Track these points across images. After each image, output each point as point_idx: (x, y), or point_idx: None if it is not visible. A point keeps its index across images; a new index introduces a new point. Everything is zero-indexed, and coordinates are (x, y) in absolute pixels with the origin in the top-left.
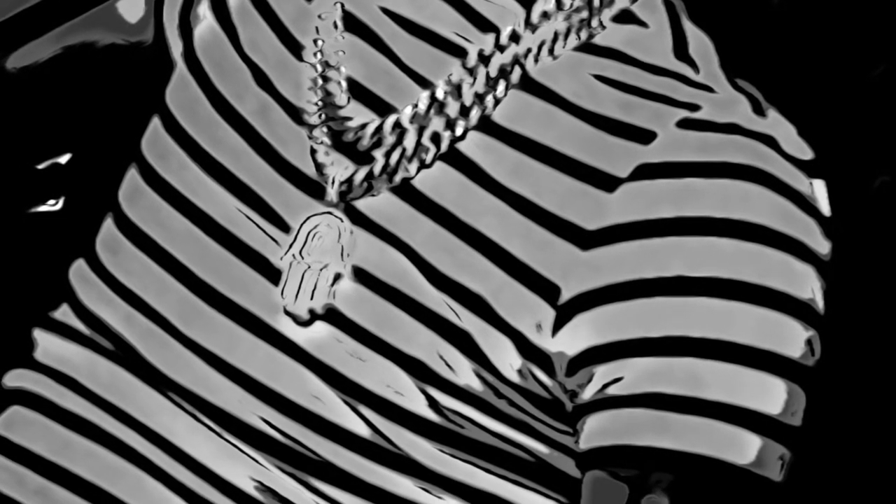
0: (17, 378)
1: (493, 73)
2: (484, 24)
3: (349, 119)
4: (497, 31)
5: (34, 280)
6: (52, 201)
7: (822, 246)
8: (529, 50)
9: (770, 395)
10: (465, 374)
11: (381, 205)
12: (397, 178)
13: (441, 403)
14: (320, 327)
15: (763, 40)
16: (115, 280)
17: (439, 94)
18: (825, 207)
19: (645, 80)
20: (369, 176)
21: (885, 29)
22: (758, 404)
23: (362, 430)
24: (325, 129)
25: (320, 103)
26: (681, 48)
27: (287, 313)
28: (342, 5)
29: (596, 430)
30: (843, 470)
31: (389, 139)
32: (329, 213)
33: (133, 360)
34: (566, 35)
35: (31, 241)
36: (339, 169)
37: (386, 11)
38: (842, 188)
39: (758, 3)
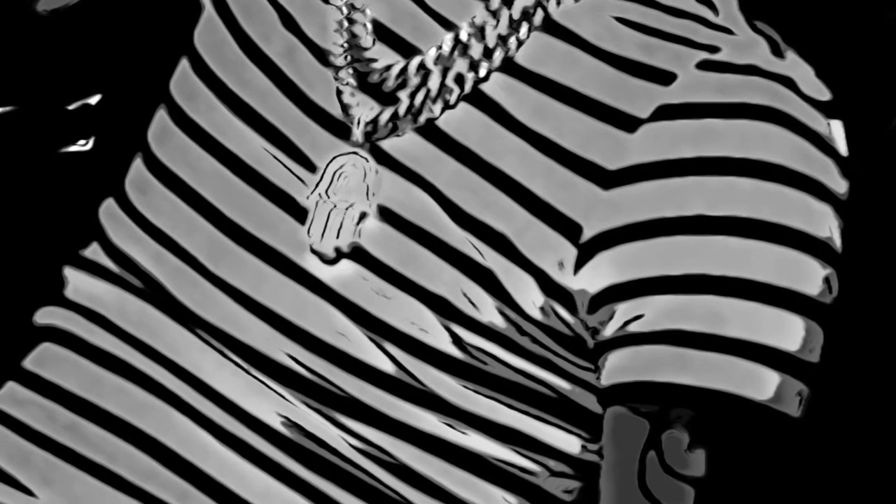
0: (48, 315)
1: (517, 16)
2: None
3: (374, 60)
4: None
5: (65, 219)
6: (82, 141)
7: (840, 185)
8: None
9: (788, 331)
10: (488, 311)
11: (406, 145)
12: (422, 119)
13: (465, 340)
14: (346, 265)
15: None
16: (144, 219)
17: (463, 36)
18: (842, 147)
19: (665, 23)
20: (394, 116)
21: None
22: (776, 341)
23: (387, 366)
24: (350, 71)
25: (346, 45)
26: None
27: (313, 252)
28: None
29: (617, 367)
30: (859, 408)
31: (414, 80)
32: (354, 153)
33: (162, 298)
34: None
35: (62, 181)
36: (364, 110)
37: None
38: (859, 128)
39: None
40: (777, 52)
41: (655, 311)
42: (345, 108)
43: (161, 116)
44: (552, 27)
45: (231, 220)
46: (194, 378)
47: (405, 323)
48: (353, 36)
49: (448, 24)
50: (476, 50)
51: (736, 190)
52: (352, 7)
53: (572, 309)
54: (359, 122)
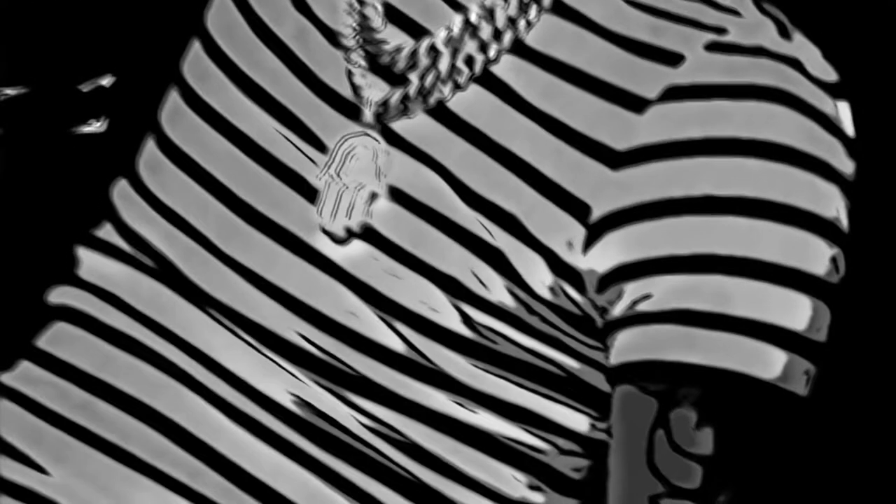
0: (61, 295)
1: None
2: None
3: (385, 42)
4: None
5: (77, 199)
6: (95, 122)
7: (847, 166)
8: None
9: (795, 311)
10: (497, 290)
11: (416, 126)
12: (432, 100)
13: (474, 319)
14: (356, 245)
15: None
16: (156, 199)
17: (473, 18)
18: (849, 128)
19: (673, 4)
20: (404, 98)
21: None
22: (784, 320)
23: (397, 345)
24: (361, 52)
25: (357, 27)
26: None
27: (324, 231)
28: None
29: (625, 346)
30: (865, 387)
31: (424, 62)
32: (365, 133)
33: (174, 277)
34: None
35: (75, 162)
36: (375, 91)
37: None
38: (865, 109)
39: None
40: (784, 34)
41: (663, 291)
42: (355, 89)
43: (173, 97)
44: (561, 8)
45: (242, 201)
46: (206, 357)
47: (415, 302)
48: (364, 18)
49: (458, 6)
50: (486, 31)
51: (743, 170)
52: None
53: (581, 288)
54: (369, 103)
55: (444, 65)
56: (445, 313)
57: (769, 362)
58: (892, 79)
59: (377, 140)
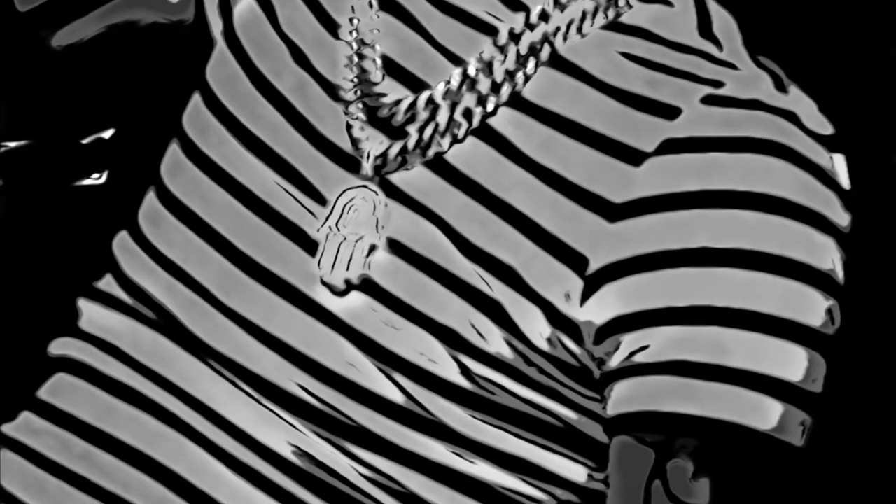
0: (63, 346)
1: (524, 51)
2: (514, 3)
3: (384, 95)
4: (527, 9)
5: (79, 251)
6: (96, 175)
7: (843, 218)
8: (558, 28)
9: (792, 362)
10: (496, 342)
11: (415, 178)
12: (430, 153)
13: (473, 371)
14: (356, 297)
15: (785, 19)
16: (157, 251)
17: (471, 71)
18: (845, 181)
19: (670, 58)
20: (403, 150)
21: None
22: (780, 371)
23: (396, 396)
24: (360, 105)
25: (356, 80)
26: (705, 26)
27: (324, 283)
28: None
29: (623, 397)
30: (861, 437)
31: (423, 115)
32: (364, 186)
33: (174, 329)
34: (594, 14)
35: (76, 214)
36: (374, 143)
37: None
38: (861, 162)
39: None
40: (780, 87)
41: (661, 342)
42: (355, 142)
43: (174, 150)
44: (559, 62)
45: (243, 253)
46: (206, 408)
47: (414, 353)
48: (363, 71)
49: (456, 60)
50: (484, 85)
51: (740, 222)
52: (362, 43)
53: (579, 340)
54: (368, 156)
55: (442, 118)
56: (444, 364)
57: (765, 413)
58: (888, 131)
59: (376, 192)
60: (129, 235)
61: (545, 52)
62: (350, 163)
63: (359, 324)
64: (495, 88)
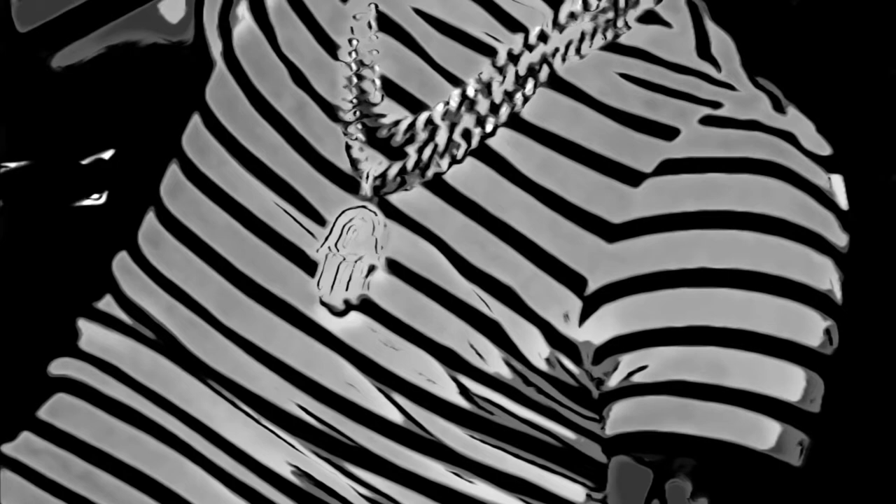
0: (63, 366)
1: (522, 72)
2: (513, 25)
3: (383, 116)
4: (526, 31)
5: (79, 272)
6: (96, 195)
7: (840, 238)
8: (557, 49)
9: (790, 382)
10: (494, 362)
11: (414, 199)
12: (429, 173)
13: (471, 391)
14: (355, 317)
15: (783, 39)
16: (156, 272)
17: (470, 92)
18: (843, 201)
19: (669, 79)
20: (402, 171)
21: None
22: (778, 391)
23: (395, 416)
24: (359, 126)
25: (355, 101)
26: (703, 47)
27: (323, 304)
28: (376, 6)
29: (621, 417)
30: (859, 456)
31: (422, 135)
32: (363, 206)
33: (174, 349)
34: (593, 35)
35: (76, 234)
36: (373, 164)
37: (418, 12)
38: (859, 183)
39: (778, 3)
40: (778, 108)
41: (659, 362)
42: (354, 162)
43: (173, 171)
44: (557, 83)
45: (242, 273)
46: (206, 428)
47: (413, 374)
48: (362, 92)
49: (455, 80)
50: (483, 105)
51: (738, 243)
52: (361, 63)
53: (577, 360)
54: (367, 177)
55: (441, 138)
56: (443, 384)
57: (764, 433)
58: (886, 152)
59: (375, 213)
60: (128, 256)
61: (544, 73)
62: (349, 183)
63: (358, 344)
64: (494, 109)
